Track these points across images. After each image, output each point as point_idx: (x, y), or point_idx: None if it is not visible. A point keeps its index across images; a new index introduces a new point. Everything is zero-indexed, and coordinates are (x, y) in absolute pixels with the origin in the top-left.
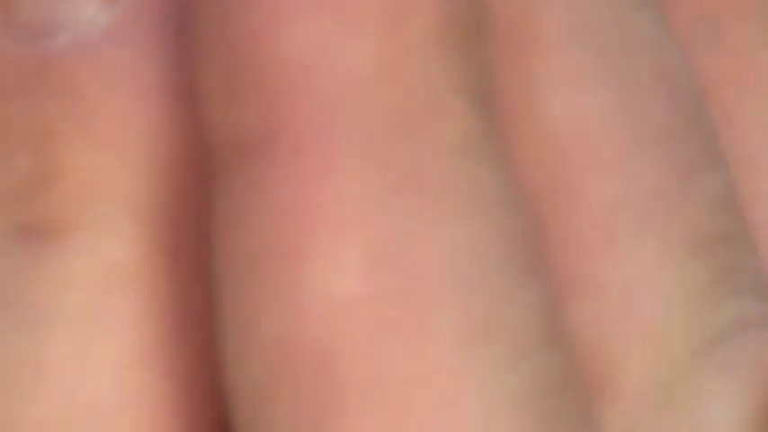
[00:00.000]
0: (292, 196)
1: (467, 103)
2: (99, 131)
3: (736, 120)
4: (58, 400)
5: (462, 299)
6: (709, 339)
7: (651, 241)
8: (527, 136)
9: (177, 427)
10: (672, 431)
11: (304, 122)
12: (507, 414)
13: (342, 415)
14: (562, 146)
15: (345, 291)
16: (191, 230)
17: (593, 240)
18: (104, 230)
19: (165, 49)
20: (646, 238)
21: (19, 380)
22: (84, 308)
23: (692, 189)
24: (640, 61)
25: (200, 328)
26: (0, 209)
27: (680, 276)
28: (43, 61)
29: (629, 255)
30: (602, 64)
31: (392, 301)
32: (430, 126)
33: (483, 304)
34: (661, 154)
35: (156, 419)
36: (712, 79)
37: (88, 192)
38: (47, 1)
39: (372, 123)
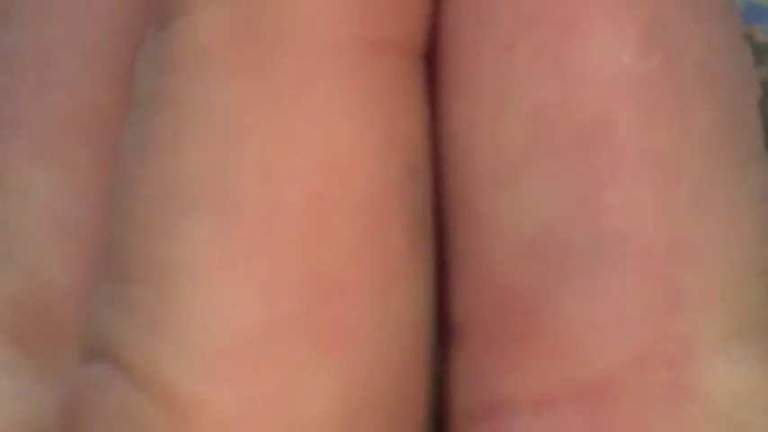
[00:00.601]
0: None
1: None
2: None
3: None
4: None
5: (718, 95)
6: None
7: None
8: None
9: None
10: None
11: None
12: (744, 214)
13: (615, 185)
14: None
15: (623, 64)
16: None
17: None
18: None
19: None
20: None
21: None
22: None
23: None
24: None
25: None
26: None
27: None
28: None
29: None
30: None
31: (663, 82)
32: None
33: (732, 103)
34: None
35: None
36: None
37: None
38: None
39: None
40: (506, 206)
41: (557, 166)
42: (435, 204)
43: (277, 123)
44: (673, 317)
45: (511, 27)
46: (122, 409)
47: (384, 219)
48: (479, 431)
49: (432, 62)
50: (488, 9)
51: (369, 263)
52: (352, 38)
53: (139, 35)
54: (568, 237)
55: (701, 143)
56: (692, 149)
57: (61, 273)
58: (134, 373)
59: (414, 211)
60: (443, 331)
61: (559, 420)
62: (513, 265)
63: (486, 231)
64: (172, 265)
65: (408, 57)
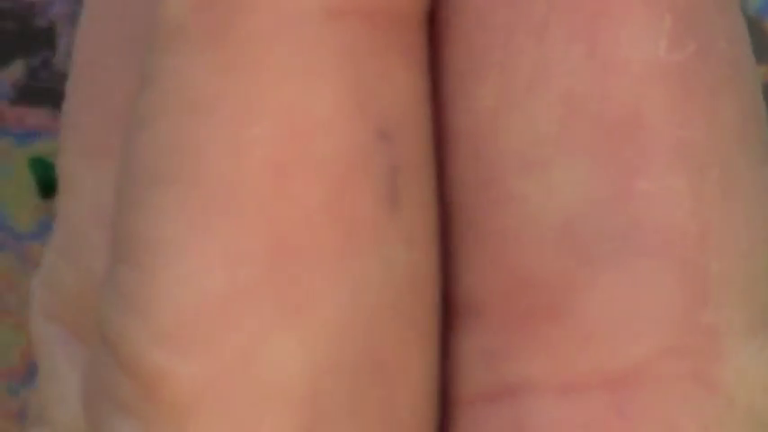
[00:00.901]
0: None
1: None
2: None
3: None
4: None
5: (742, 86)
6: None
7: None
8: None
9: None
10: None
11: None
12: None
13: (646, 174)
14: None
15: (657, 53)
16: None
17: None
18: None
19: None
20: None
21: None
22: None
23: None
24: None
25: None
26: None
27: None
28: None
29: None
30: None
31: (694, 72)
32: None
33: (752, 94)
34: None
35: None
36: None
37: None
38: None
39: None
40: (536, 189)
41: (588, 152)
42: (439, 181)
43: (241, 92)
44: (700, 308)
45: (546, 11)
46: (105, 386)
47: (350, 182)
48: (495, 412)
49: (451, 38)
50: None
51: (333, 227)
52: (316, 5)
53: None
54: (599, 223)
55: (729, 133)
56: (721, 139)
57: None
58: (114, 350)
59: (386, 175)
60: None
61: (585, 406)
62: (542, 249)
63: (515, 213)
64: (144, 240)
65: (388, 23)
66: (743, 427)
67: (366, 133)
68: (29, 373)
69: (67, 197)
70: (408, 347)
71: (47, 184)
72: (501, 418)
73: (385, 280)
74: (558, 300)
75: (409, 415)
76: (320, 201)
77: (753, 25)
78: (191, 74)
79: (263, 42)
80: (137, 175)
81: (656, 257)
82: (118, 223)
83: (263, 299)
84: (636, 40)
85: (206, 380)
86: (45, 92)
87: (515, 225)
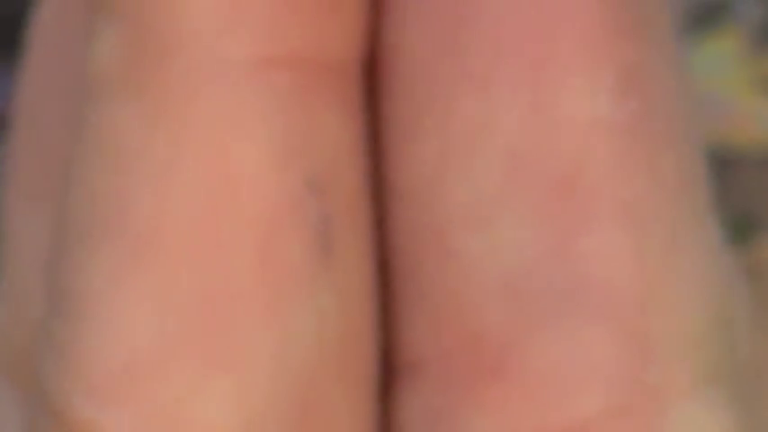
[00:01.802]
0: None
1: None
2: None
3: None
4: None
5: (684, 142)
6: None
7: None
8: None
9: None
10: None
11: None
12: (710, 261)
13: (589, 232)
14: None
15: (599, 110)
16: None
17: None
18: None
19: None
20: None
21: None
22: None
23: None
24: None
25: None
26: None
27: None
28: None
29: None
30: None
31: (636, 129)
32: None
33: (694, 150)
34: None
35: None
36: None
37: None
38: None
39: None
40: (479, 245)
41: (531, 209)
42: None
43: (167, 143)
44: (644, 367)
45: (489, 63)
46: None
47: (279, 233)
48: None
49: (393, 88)
50: (466, 40)
51: (262, 277)
52: (243, 55)
53: None
54: (542, 281)
55: (671, 190)
56: (663, 197)
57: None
58: (47, 399)
59: (318, 225)
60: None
61: None
62: (485, 305)
63: (457, 269)
64: (74, 292)
65: (318, 71)
66: None
67: (295, 183)
68: None
69: (10, 242)
70: (340, 400)
71: None
72: None
73: (316, 331)
74: (500, 358)
75: None
76: (248, 251)
77: None
78: (118, 124)
79: (190, 93)
80: (67, 225)
81: (598, 316)
82: (51, 274)
83: (192, 351)
84: (579, 97)
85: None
86: None
87: (458, 281)
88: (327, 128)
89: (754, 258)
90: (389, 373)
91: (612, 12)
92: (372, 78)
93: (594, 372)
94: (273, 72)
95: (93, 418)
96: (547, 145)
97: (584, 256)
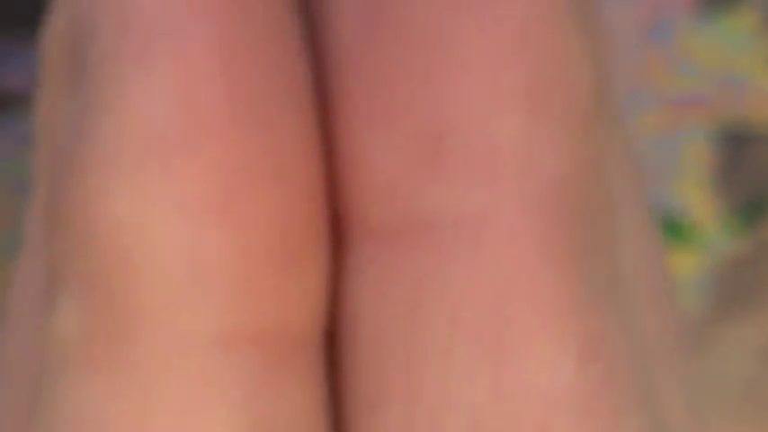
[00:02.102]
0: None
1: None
2: None
3: None
4: None
5: (644, 402)
6: None
7: None
8: None
9: None
10: None
11: (517, 209)
12: None
13: None
14: None
15: (563, 378)
16: None
17: None
18: None
19: None
20: None
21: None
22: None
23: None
24: None
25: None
26: None
27: None
28: None
29: None
30: None
31: (600, 394)
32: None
33: (655, 412)
34: None
35: None
36: None
37: None
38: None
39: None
40: None
41: None
42: None
43: (129, 420)
44: None
45: (449, 334)
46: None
47: None
48: None
49: (353, 360)
50: (424, 314)
51: None
52: (205, 332)
53: None
54: None
55: None
56: None
57: None
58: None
59: None
60: None
61: None
62: None
63: None
64: None
65: (281, 346)
66: None
67: None
68: None
69: None
70: None
71: None
72: None
73: None
74: None
75: None
76: None
77: None
78: (80, 398)
79: (152, 370)
80: None
81: None
82: None
83: None
84: (540, 365)
85: None
86: None
87: None
88: (293, 399)
89: None
90: None
91: (567, 284)
92: (334, 349)
93: None
94: (237, 348)
95: None
96: (509, 419)
97: None
